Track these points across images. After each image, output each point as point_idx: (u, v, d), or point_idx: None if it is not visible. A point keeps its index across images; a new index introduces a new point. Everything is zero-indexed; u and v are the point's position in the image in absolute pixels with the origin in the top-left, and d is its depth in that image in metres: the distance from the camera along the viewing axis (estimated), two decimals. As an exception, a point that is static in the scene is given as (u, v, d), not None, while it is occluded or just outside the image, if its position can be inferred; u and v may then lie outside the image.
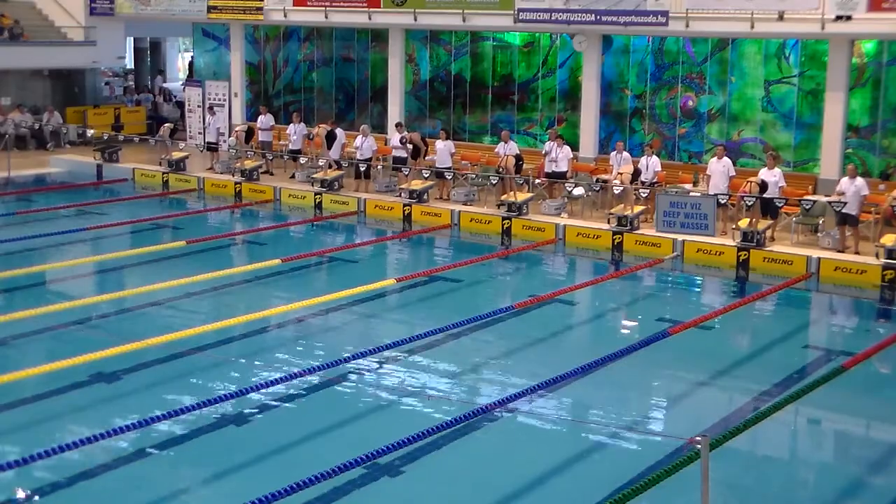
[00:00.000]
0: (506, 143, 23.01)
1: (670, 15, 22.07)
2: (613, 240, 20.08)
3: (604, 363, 13.09)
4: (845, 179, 18.86)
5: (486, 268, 18.34)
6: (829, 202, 19.04)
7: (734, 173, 20.44)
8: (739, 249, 18.82)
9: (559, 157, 22.31)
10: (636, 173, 20.79)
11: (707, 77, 23.23)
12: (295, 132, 26.36)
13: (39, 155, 29.83)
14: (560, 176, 22.35)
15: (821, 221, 19.58)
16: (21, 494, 9.33)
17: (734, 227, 19.29)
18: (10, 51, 31.02)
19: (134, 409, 11.32)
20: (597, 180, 22.53)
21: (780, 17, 20.96)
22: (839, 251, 18.52)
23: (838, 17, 20.28)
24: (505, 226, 21.30)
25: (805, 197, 20.14)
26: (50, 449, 9.84)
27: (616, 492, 9.24)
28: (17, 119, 30.81)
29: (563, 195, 22.13)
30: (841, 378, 12.40)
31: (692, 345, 14.28)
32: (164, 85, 41.57)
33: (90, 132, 30.03)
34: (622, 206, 20.41)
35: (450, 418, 11.04)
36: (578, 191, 21.86)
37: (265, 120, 27.42)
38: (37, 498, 9.33)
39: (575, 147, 23.68)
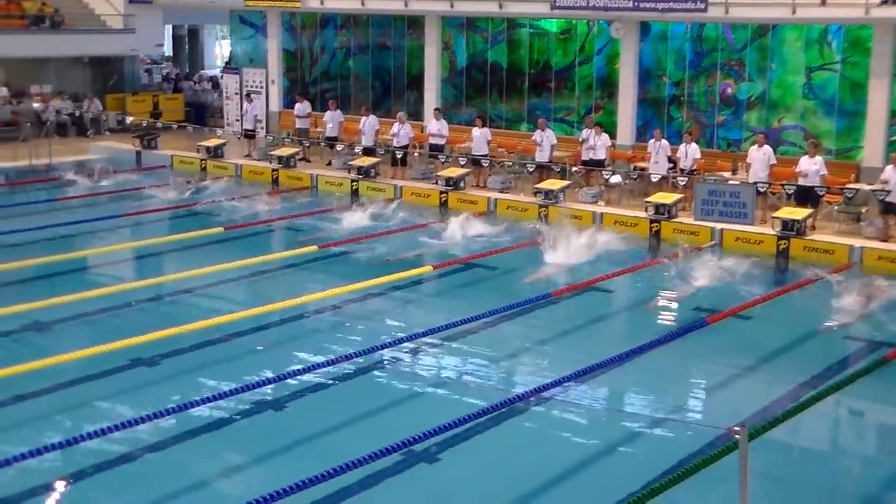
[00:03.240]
0: (543, 130, 22.92)
1: (710, 1, 21.84)
2: (651, 228, 19.96)
3: (641, 352, 13.01)
4: (889, 167, 18.58)
5: (522, 255, 18.27)
6: (873, 191, 18.80)
7: (775, 161, 20.23)
8: (779, 238, 18.64)
9: (597, 144, 22.21)
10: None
11: (747, 64, 22.97)
12: (331, 119, 26.38)
13: (80, 142, 30.07)
14: (598, 164, 22.24)
15: (863, 210, 19.35)
16: (63, 479, 9.41)
17: (774, 215, 19.10)
18: (51, 39, 31.29)
19: (173, 393, 11.41)
20: (634, 168, 22.42)
21: (823, 3, 20.68)
22: (882, 240, 18.28)
23: (883, 2, 19.99)
24: (542, 213, 21.22)
25: (847, 185, 19.91)
26: (91, 432, 9.95)
27: (653, 481, 9.17)
28: (57, 106, 31.07)
29: (599, 183, 22.02)
30: (883, 369, 12.25)
31: (730, 334, 14.17)
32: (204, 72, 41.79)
33: (129, 119, 30.27)
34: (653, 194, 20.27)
35: (486, 406, 11.03)
36: (615, 179, 21.75)
37: (302, 107, 27.49)
38: (78, 481, 9.39)
39: (612, 135, 23.53)
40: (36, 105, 30.86)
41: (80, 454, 9.76)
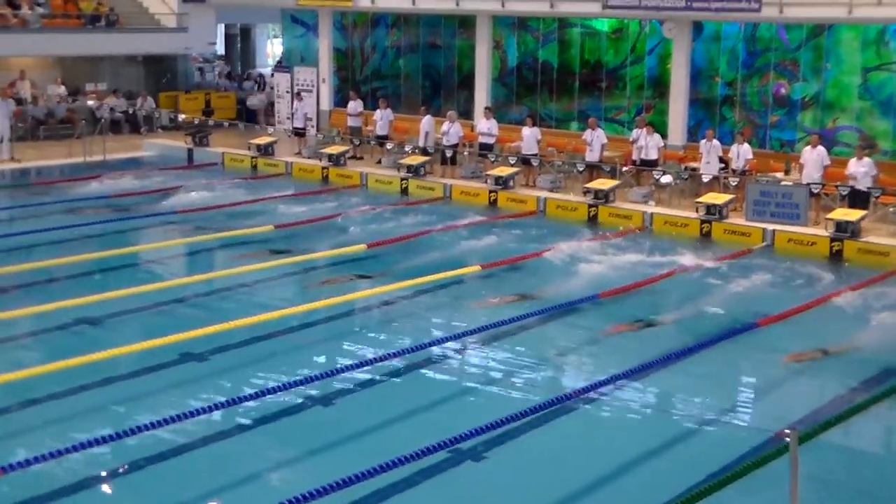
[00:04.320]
0: (593, 130, 22.82)
1: (763, 1, 21.60)
2: (702, 228, 19.79)
3: (691, 352, 12.93)
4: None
5: (570, 255, 18.18)
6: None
7: (828, 162, 19.99)
8: (833, 240, 18.40)
9: (649, 144, 22.08)
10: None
11: (801, 64, 22.71)
12: (381, 118, 26.48)
13: (133, 139, 30.44)
14: (649, 164, 22.11)
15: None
16: (115, 470, 9.53)
17: (828, 217, 18.86)
18: (106, 38, 31.72)
19: (222, 388, 11.54)
20: (685, 168, 22.26)
21: (880, 2, 20.38)
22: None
23: (941, 2, 19.68)
24: (591, 213, 21.14)
25: (902, 187, 19.62)
26: (142, 425, 10.08)
27: (701, 483, 9.10)
28: (112, 104, 31.48)
29: (650, 183, 21.88)
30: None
31: (782, 336, 14.01)
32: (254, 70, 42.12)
33: (181, 117, 30.61)
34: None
35: (534, 404, 11.01)
36: (666, 179, 21.62)
37: (354, 105, 27.61)
38: (130, 473, 9.50)
39: (663, 135, 23.35)
40: (91, 103, 31.27)
41: (131, 446, 9.87)
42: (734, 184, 20.63)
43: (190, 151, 28.16)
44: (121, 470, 9.53)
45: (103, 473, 9.46)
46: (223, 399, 10.98)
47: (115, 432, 9.92)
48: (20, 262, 16.60)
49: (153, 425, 10.11)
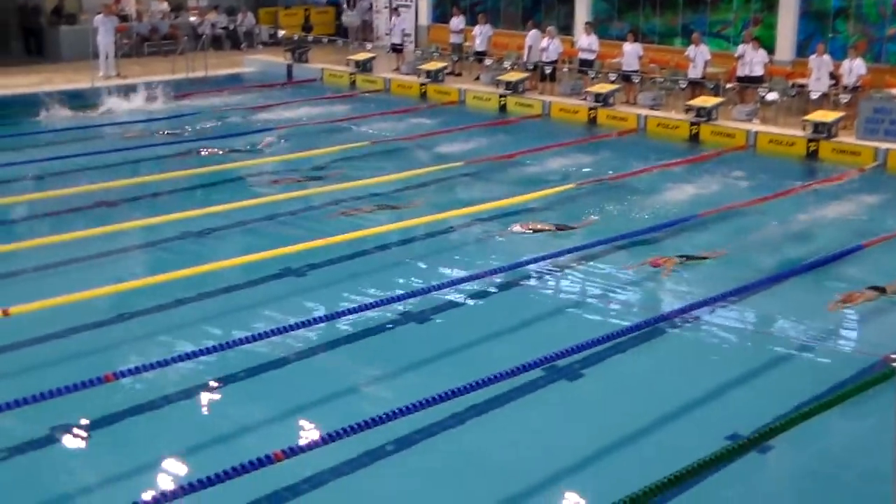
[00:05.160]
0: (696, 45, 22.23)
1: None
2: (808, 147, 19.25)
3: (792, 275, 12.66)
4: None
5: (670, 174, 17.90)
6: None
7: (947, 78, 19.20)
8: (948, 160, 17.77)
9: (754, 60, 21.44)
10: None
11: (922, -28, 21.68)
12: (480, 33, 26.19)
13: (233, 55, 30.72)
14: (754, 80, 21.49)
15: None
16: (220, 380, 9.75)
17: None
18: (207, -48, 31.88)
19: (320, 303, 11.67)
20: (793, 85, 21.59)
21: None
22: None
23: None
24: (693, 131, 20.71)
25: None
26: (242, 338, 10.28)
27: (801, 406, 8.99)
28: (213, 20, 31.73)
29: (755, 100, 21.30)
30: None
31: (889, 259, 13.60)
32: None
33: (281, 33, 30.72)
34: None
35: (630, 324, 10.94)
36: (772, 96, 21.01)
37: (457, 22, 27.34)
38: (230, 384, 9.70)
39: (771, 50, 22.63)
40: (193, 19, 31.59)
41: (231, 358, 10.07)
42: (845, 101, 19.95)
43: (289, 67, 28.31)
44: (221, 381, 9.71)
45: (205, 384, 9.65)
46: (321, 314, 11.13)
47: (216, 344, 10.14)
48: (128, 177, 16.93)
49: (252, 338, 10.29)
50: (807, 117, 19.70)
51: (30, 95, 23.12)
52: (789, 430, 8.60)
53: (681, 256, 13.10)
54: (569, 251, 13.34)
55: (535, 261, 13.05)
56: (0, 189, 16.04)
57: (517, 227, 14.30)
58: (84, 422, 8.78)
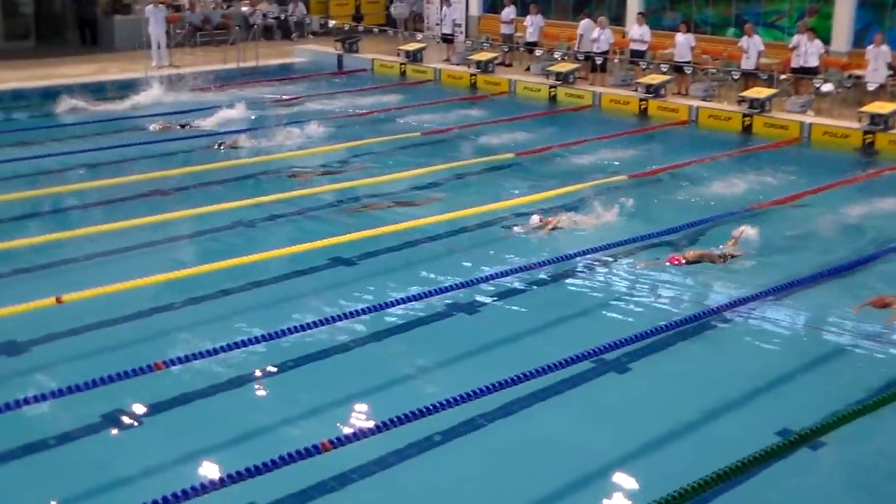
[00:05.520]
0: (749, 36, 21.97)
1: None
2: (864, 139, 18.95)
3: (848, 269, 12.48)
4: None
5: (723, 166, 17.70)
6: None
7: None
8: None
9: (809, 51, 21.15)
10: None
11: None
12: (532, 24, 26.09)
13: (284, 45, 30.87)
14: (809, 72, 21.20)
15: None
16: (268, 369, 9.80)
17: None
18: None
19: (369, 293, 11.66)
20: (849, 76, 21.27)
21: None
22: None
23: None
24: (746, 123, 20.48)
25: None
26: (292, 327, 10.31)
27: (858, 402, 8.88)
28: (264, 10, 31.91)
29: (810, 92, 21.01)
30: None
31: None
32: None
33: (332, 23, 30.81)
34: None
35: (680, 317, 10.84)
36: (827, 87, 20.72)
37: (507, 12, 27.27)
38: (279, 374, 9.75)
39: (826, 40, 22.31)
40: (244, 9, 31.79)
41: (280, 348, 10.11)
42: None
43: (340, 57, 28.40)
44: (270, 371, 9.77)
45: (253, 373, 9.71)
46: (370, 304, 11.13)
47: (264, 333, 10.16)
48: (180, 167, 17.06)
49: (302, 328, 10.34)
50: (863, 109, 19.40)
51: (85, 84, 23.39)
52: (842, 426, 8.52)
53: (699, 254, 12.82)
54: (617, 244, 13.21)
55: (583, 254, 12.94)
56: (55, 178, 16.25)
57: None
58: (134, 409, 8.88)
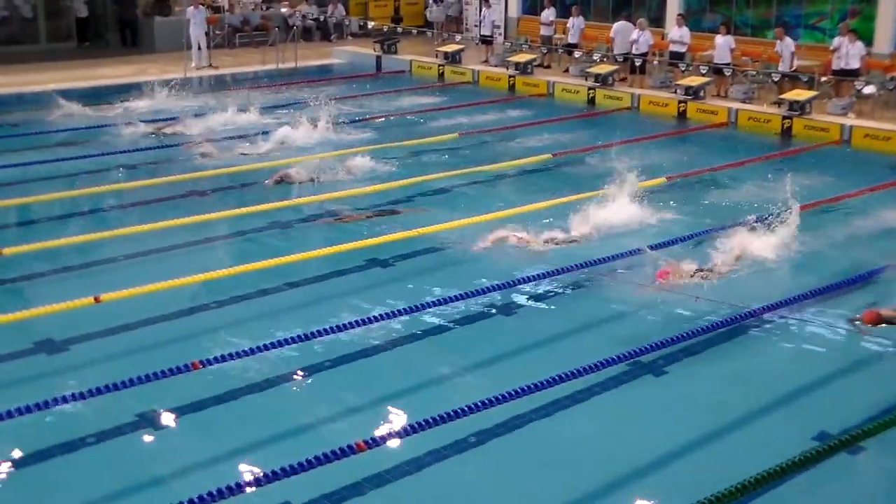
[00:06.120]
0: (781, 40, 21.79)
1: None
2: (907, 143, 18.74)
3: (885, 270, 12.33)
4: None
5: (762, 168, 17.54)
6: None
7: None
8: None
9: (850, 53, 20.92)
10: None
11: None
12: (573, 25, 26.04)
13: (323, 46, 31.01)
14: (850, 74, 20.97)
15: None
16: (304, 370, 9.86)
17: None
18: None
19: (406, 294, 11.67)
20: (891, 78, 21.03)
21: None
22: None
23: None
24: (785, 125, 20.30)
25: None
26: (328, 328, 10.37)
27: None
28: (304, 11, 32.07)
29: (851, 94, 20.79)
30: None
31: None
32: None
33: (371, 24, 30.91)
34: None
35: (718, 320, 10.79)
36: (869, 89, 20.49)
37: (547, 14, 27.22)
38: (315, 374, 9.80)
39: (869, 42, 22.07)
40: (284, 10, 31.97)
41: (316, 348, 10.17)
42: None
43: (378, 59, 28.49)
44: (306, 371, 9.83)
45: (289, 373, 9.77)
46: (406, 305, 11.14)
47: (301, 334, 10.24)
48: (215, 169, 17.15)
49: (338, 328, 10.39)
50: (905, 111, 19.20)
51: (124, 85, 23.61)
52: (883, 432, 8.47)
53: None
54: (653, 248, 13.03)
55: (623, 255, 12.86)
56: (93, 179, 16.38)
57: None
58: (171, 408, 8.95)
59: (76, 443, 8.42)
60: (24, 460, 8.16)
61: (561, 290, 12.01)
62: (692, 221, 14.46)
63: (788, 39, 21.97)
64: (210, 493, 7.36)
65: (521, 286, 11.94)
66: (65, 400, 8.81)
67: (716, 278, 12.13)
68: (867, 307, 11.12)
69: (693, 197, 15.90)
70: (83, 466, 8.18)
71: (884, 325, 10.72)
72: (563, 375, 9.19)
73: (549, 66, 26.47)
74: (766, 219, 13.89)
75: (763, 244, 13.07)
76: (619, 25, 24.78)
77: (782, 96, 20.85)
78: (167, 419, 8.84)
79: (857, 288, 11.99)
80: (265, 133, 19.07)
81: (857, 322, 10.86)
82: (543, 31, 27.33)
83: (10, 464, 8.11)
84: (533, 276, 12.16)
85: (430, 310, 11.17)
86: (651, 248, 12.73)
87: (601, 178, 16.44)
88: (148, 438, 8.62)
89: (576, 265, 12.50)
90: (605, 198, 14.97)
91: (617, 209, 14.75)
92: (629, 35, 24.22)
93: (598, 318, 11.26)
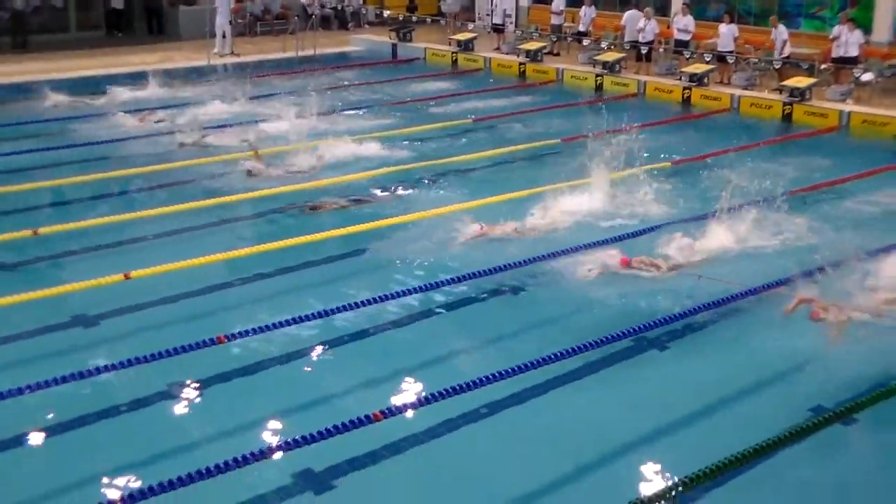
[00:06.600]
0: (776, 28, 22.36)
1: None
2: (903, 128, 19.24)
3: (883, 252, 12.41)
4: None
5: (762, 153, 17.90)
6: None
7: None
8: None
9: (849, 41, 21.48)
10: None
11: None
12: (585, 14, 26.58)
13: (341, 35, 31.58)
14: (849, 61, 21.55)
15: None
16: (320, 346, 10.25)
17: None
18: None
19: (417, 274, 11.95)
20: (889, 66, 21.58)
21: None
22: None
23: None
24: (786, 111, 20.90)
25: None
26: (343, 306, 10.70)
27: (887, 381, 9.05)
28: (322, 0, 32.65)
29: (850, 81, 21.37)
30: None
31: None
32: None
33: (386, 13, 31.52)
34: None
35: (719, 297, 10.98)
36: (867, 76, 21.06)
37: (558, 3, 27.76)
38: (333, 348, 10.17)
39: (868, 30, 22.58)
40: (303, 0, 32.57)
41: (334, 324, 10.55)
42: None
43: (394, 47, 29.07)
44: (325, 345, 10.19)
45: (310, 347, 10.14)
46: (418, 284, 11.47)
47: (321, 310, 10.56)
48: (241, 151, 17.34)
49: (353, 306, 10.70)
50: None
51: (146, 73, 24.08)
52: (875, 404, 8.74)
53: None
54: (654, 228, 13.38)
55: (630, 235, 13.14)
56: (121, 162, 16.70)
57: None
58: (197, 380, 9.29)
59: (111, 410, 8.75)
60: (62, 426, 8.49)
61: (570, 269, 12.00)
62: (693, 205, 14.59)
63: (782, 27, 22.54)
64: (235, 459, 7.59)
65: (532, 265, 12.06)
66: (98, 371, 9.12)
67: (709, 258, 12.32)
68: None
69: (696, 180, 16.12)
70: (117, 432, 8.50)
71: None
72: (569, 350, 9.46)
73: (557, 54, 27.06)
74: (763, 202, 13.92)
75: (757, 226, 13.24)
76: (629, 14, 25.36)
77: (783, 83, 21.43)
78: (194, 389, 9.15)
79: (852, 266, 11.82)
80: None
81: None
82: (554, 20, 27.87)
83: (49, 429, 8.45)
84: (541, 257, 12.25)
85: (442, 289, 11.45)
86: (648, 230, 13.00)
87: (608, 161, 16.80)
88: (176, 407, 8.94)
89: (587, 245, 12.55)
90: (613, 181, 15.22)
91: (625, 192, 14.98)
92: (637, 23, 24.83)
93: (603, 295, 11.37)
